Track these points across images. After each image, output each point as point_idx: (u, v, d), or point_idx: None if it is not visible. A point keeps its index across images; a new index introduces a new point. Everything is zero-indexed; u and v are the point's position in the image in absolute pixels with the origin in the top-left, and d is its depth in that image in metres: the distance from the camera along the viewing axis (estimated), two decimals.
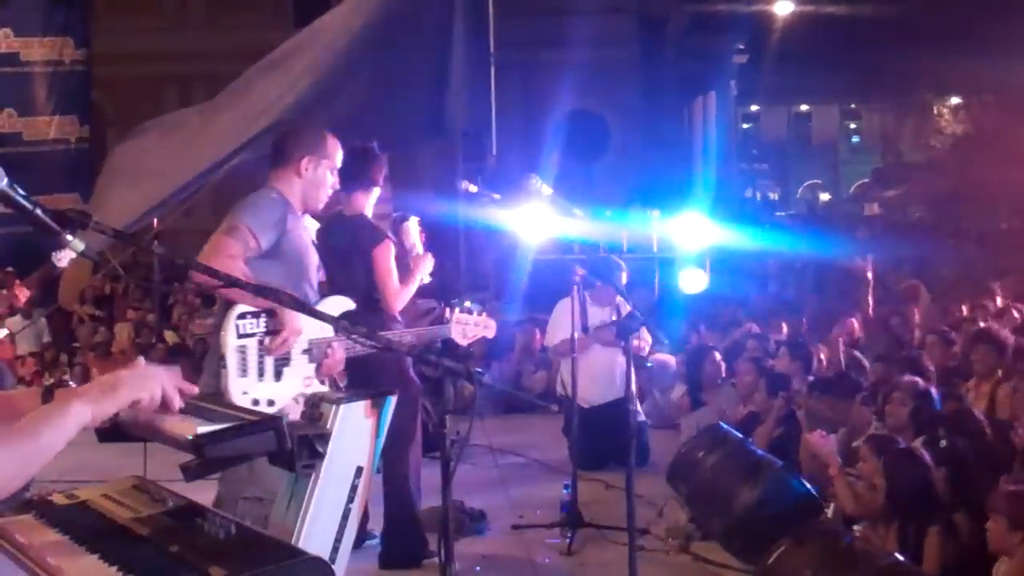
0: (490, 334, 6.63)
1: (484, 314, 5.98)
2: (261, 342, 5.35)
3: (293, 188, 5.72)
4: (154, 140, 12.70)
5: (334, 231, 8.08)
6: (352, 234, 7.69)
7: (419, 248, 7.91)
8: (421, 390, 7.65)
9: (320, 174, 5.72)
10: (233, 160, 11.75)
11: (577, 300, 9.10)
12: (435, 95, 12.12)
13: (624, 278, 10.16)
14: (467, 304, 6.06)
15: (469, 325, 6.14)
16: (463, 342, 6.20)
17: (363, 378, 6.96)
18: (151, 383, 2.74)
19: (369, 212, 7.72)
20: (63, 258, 9.95)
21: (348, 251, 7.63)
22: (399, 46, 12.11)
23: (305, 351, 5.47)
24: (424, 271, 7.67)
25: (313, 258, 5.81)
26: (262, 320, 5.36)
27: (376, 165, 7.77)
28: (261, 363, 5.34)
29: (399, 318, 7.56)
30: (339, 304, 5.77)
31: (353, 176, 7.72)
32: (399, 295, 7.49)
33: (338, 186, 5.90)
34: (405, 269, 7.67)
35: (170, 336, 17.16)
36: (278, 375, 5.38)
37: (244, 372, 5.30)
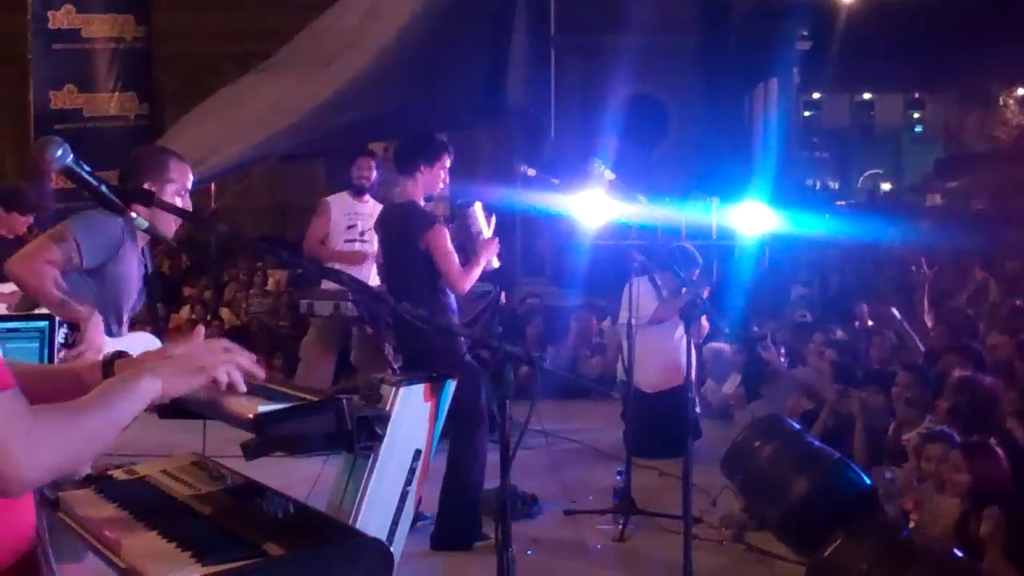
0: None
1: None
2: (58, 352, 5.31)
3: (139, 213, 5.67)
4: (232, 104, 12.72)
5: (387, 219, 8.10)
6: (403, 221, 7.70)
7: (486, 233, 7.87)
8: (480, 373, 7.64)
9: (166, 199, 5.59)
10: (286, 145, 11.80)
11: (638, 286, 9.06)
12: (493, 78, 12.09)
13: (696, 272, 10.10)
14: None
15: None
16: None
17: (418, 363, 6.97)
18: (224, 366, 2.71)
19: (420, 198, 7.69)
20: None
21: (400, 239, 7.64)
22: (457, 29, 12.09)
23: None
24: (490, 254, 7.66)
25: (134, 288, 5.72)
26: (62, 331, 5.29)
27: (423, 152, 7.75)
28: None
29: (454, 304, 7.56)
30: (143, 340, 5.72)
31: (402, 163, 7.75)
32: (464, 277, 7.48)
33: (189, 208, 5.77)
34: (472, 255, 7.66)
35: (225, 314, 17.24)
36: None
37: None
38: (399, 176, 7.80)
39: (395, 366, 9.51)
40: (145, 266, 5.90)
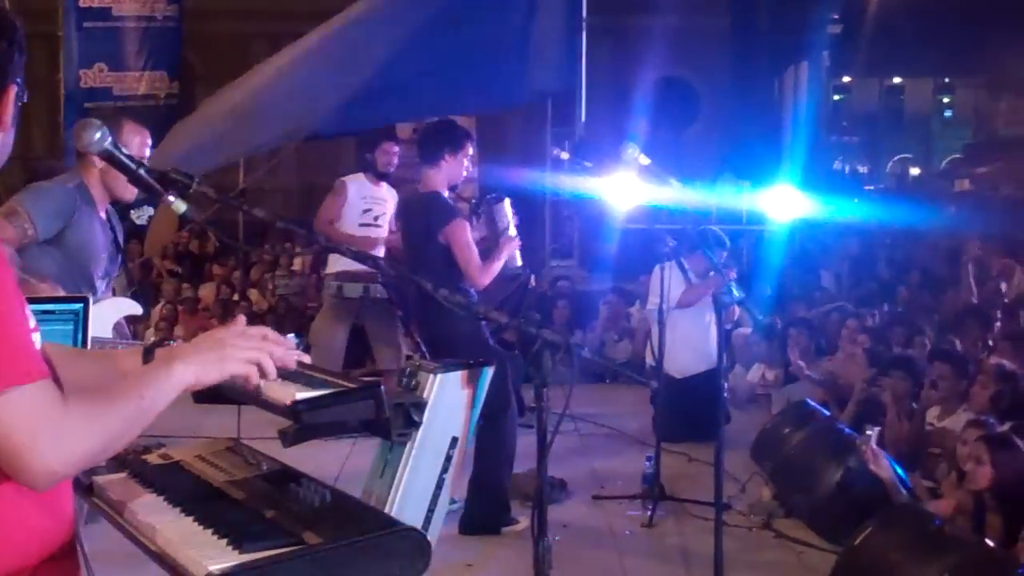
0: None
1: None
2: None
3: (93, 179, 5.65)
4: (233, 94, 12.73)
5: (409, 209, 8.10)
6: (424, 213, 7.67)
7: (512, 230, 7.82)
8: (506, 357, 7.63)
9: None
10: (314, 125, 11.78)
11: (669, 271, 9.02)
12: (522, 60, 12.05)
13: (724, 254, 10.05)
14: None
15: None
16: None
17: (442, 349, 6.94)
18: (258, 354, 2.69)
19: (444, 188, 7.66)
20: (142, 215, 10.05)
21: (421, 230, 7.61)
22: (485, 9, 12.05)
23: None
24: (511, 252, 7.63)
25: (99, 252, 5.71)
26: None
27: (447, 140, 7.71)
28: None
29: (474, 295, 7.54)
30: (122, 305, 5.71)
31: (426, 152, 7.71)
32: (483, 271, 7.44)
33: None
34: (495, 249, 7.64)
35: (253, 295, 17.27)
36: None
37: None
38: (422, 165, 7.76)
39: (414, 338, 9.61)
40: (113, 230, 5.88)
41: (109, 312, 5.55)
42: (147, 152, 5.77)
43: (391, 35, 11.67)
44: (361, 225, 10.20)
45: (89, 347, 5.26)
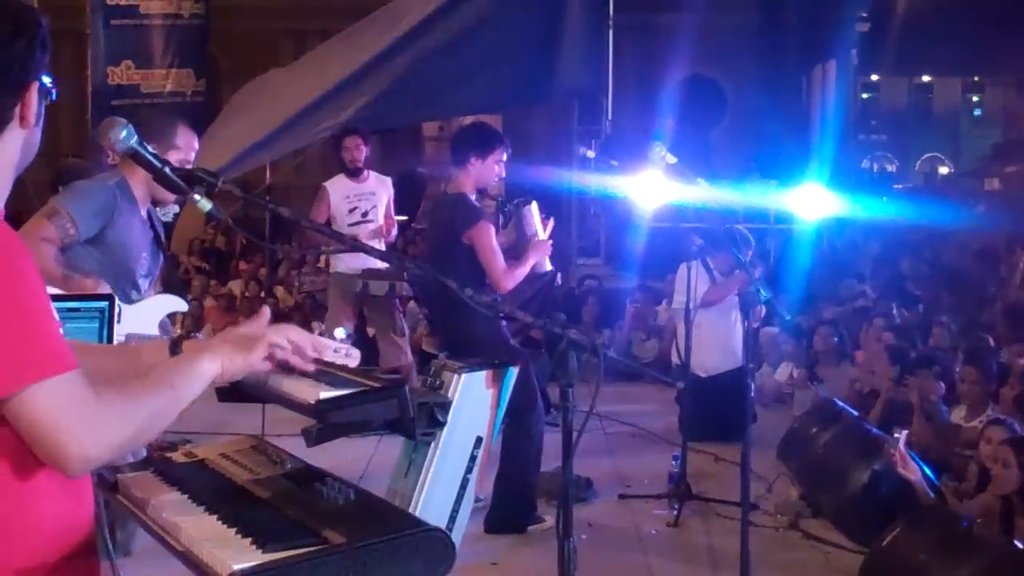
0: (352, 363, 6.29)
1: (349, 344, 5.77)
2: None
3: (137, 179, 5.62)
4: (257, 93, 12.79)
5: (435, 210, 8.10)
6: (449, 214, 7.65)
7: (541, 234, 7.78)
8: (528, 357, 7.61)
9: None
10: (332, 124, 11.81)
11: (694, 270, 8.99)
12: (548, 57, 12.05)
13: (749, 253, 10.02)
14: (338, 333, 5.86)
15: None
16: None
17: (462, 349, 6.92)
18: (274, 335, 2.71)
19: (471, 191, 7.63)
20: (167, 212, 10.04)
21: (445, 231, 7.59)
22: (514, 8, 12.05)
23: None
24: (539, 256, 7.60)
25: (141, 250, 5.70)
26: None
27: (475, 143, 7.68)
28: None
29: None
30: (166, 303, 5.70)
31: (455, 154, 7.70)
32: (508, 275, 7.40)
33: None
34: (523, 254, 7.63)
35: (279, 291, 17.29)
36: None
37: None
38: (452, 166, 7.76)
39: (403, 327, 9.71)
40: (154, 227, 5.88)
41: (154, 310, 5.59)
42: (193, 155, 5.77)
43: (420, 35, 11.70)
44: (350, 225, 10.24)
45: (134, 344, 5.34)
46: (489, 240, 7.38)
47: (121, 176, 5.63)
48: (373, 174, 10.49)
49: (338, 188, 10.41)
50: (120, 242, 5.55)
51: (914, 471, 6.88)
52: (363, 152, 10.40)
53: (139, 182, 5.62)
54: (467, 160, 7.58)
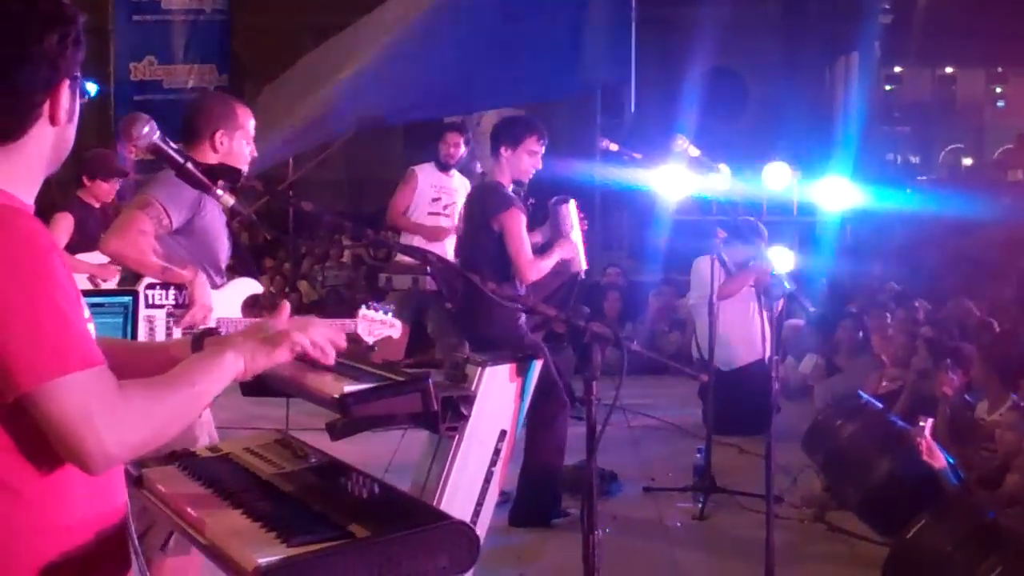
0: (396, 334, 6.30)
1: (391, 314, 5.78)
2: (170, 314, 5.32)
3: (210, 163, 5.60)
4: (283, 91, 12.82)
5: (471, 198, 8.14)
6: (482, 201, 7.69)
7: (576, 232, 7.75)
8: (546, 351, 7.61)
9: (236, 147, 5.50)
10: (354, 119, 11.82)
11: (711, 263, 8.97)
12: (572, 51, 12.02)
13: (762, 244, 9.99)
14: (374, 304, 5.87)
15: (375, 323, 5.92)
16: (368, 340, 6.02)
17: (480, 344, 6.91)
18: (305, 339, 2.70)
19: (506, 181, 7.63)
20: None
21: (477, 218, 7.62)
22: (538, 2, 12.03)
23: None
24: (565, 253, 7.58)
25: (224, 241, 5.68)
26: (171, 292, 5.33)
27: (503, 134, 7.71)
28: (169, 336, 5.32)
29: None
30: (246, 286, 5.71)
31: (491, 145, 7.74)
32: (533, 266, 7.40)
33: (255, 154, 5.74)
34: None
35: (303, 286, 17.33)
36: None
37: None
38: (491, 156, 7.82)
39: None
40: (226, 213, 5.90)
41: (235, 293, 5.61)
42: (252, 131, 5.75)
43: (445, 29, 11.70)
44: (431, 214, 10.30)
45: (223, 330, 5.37)
46: (517, 228, 7.39)
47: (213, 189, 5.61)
48: (458, 173, 10.53)
49: (427, 175, 10.45)
50: (206, 230, 5.51)
51: (939, 459, 6.87)
52: (460, 151, 10.42)
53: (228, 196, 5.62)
54: (497, 150, 7.61)
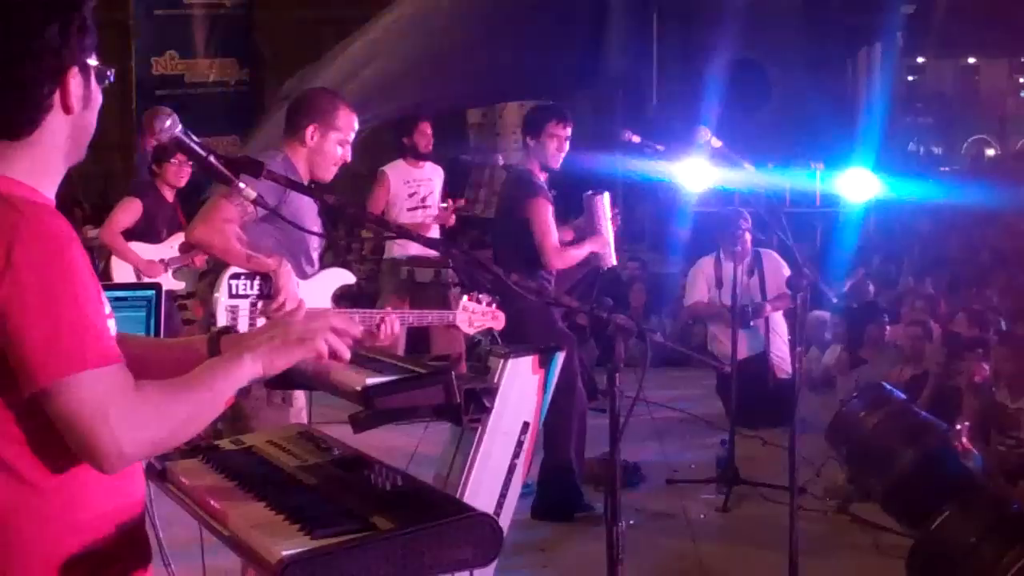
0: (498, 326, 6.24)
1: (494, 305, 5.71)
2: (254, 304, 5.30)
3: (299, 156, 5.55)
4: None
5: (503, 185, 8.15)
6: (511, 188, 7.74)
7: (608, 226, 7.72)
8: (575, 341, 7.61)
9: (327, 145, 5.51)
10: (378, 112, 11.82)
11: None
12: (592, 42, 12.02)
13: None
14: (476, 295, 5.79)
15: (476, 315, 5.86)
16: (469, 331, 5.97)
17: (510, 334, 6.91)
18: (323, 335, 2.69)
19: (536, 169, 7.64)
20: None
21: (506, 205, 7.67)
22: None
23: None
24: (595, 247, 7.56)
25: (313, 224, 5.60)
26: (255, 283, 5.31)
27: (527, 123, 7.79)
28: (252, 326, 5.28)
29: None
30: (337, 277, 5.67)
31: (522, 137, 7.79)
32: (559, 255, 7.41)
33: (348, 158, 5.72)
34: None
35: None
36: None
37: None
38: (522, 150, 7.90)
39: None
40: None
41: (326, 284, 5.57)
42: (352, 135, 5.71)
43: (465, 22, 11.71)
44: (409, 210, 10.27)
45: None
46: (544, 215, 7.41)
47: (284, 153, 5.57)
48: (429, 163, 10.51)
49: (398, 172, 10.42)
50: (295, 217, 5.44)
51: (973, 460, 6.88)
52: (431, 139, 10.43)
53: (300, 159, 5.58)
54: (525, 141, 7.67)
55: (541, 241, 7.36)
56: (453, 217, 10.64)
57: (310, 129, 5.48)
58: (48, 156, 2.49)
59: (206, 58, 19.10)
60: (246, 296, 5.31)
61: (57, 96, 2.46)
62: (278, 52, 23.78)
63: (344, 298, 5.67)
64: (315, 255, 5.69)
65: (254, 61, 20.68)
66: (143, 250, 9.56)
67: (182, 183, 9.86)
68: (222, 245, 5.22)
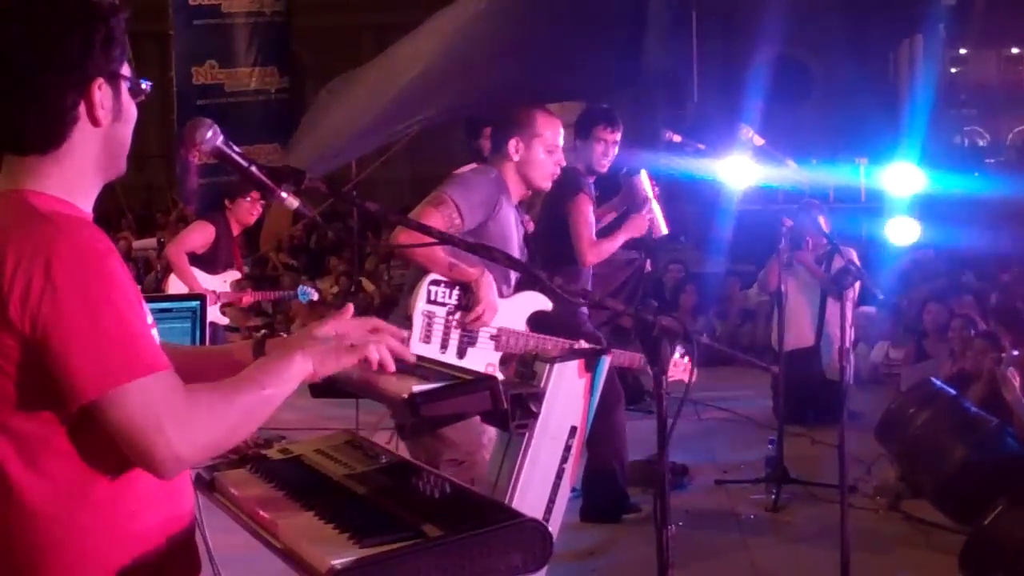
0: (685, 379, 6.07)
1: (686, 358, 5.59)
2: (451, 313, 5.27)
3: (508, 171, 5.56)
4: (345, 92, 12.85)
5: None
6: (556, 186, 7.71)
7: (653, 201, 7.67)
8: (604, 343, 7.60)
9: (533, 154, 5.51)
10: (421, 116, 11.82)
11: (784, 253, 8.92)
12: (632, 40, 11.98)
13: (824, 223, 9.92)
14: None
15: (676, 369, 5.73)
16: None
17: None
18: (375, 345, 2.69)
19: (582, 169, 7.62)
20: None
21: (550, 202, 7.65)
22: None
23: (493, 336, 5.35)
24: (634, 231, 7.52)
25: (515, 245, 5.58)
26: (454, 293, 5.28)
27: (579, 124, 7.78)
28: (446, 335, 5.26)
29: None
30: (534, 300, 5.59)
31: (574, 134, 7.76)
32: (593, 248, 7.39)
33: (563, 162, 5.72)
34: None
35: (367, 285, 17.36)
36: (461, 353, 5.25)
37: (428, 339, 5.21)
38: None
39: None
40: (522, 224, 5.82)
41: (522, 306, 5.50)
42: (560, 140, 5.71)
43: (502, 22, 11.69)
44: None
45: (503, 340, 5.38)
46: (584, 211, 7.39)
47: (497, 171, 5.59)
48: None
49: None
50: (499, 236, 5.41)
51: None
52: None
53: (512, 177, 5.59)
54: (574, 142, 7.62)
55: (576, 236, 7.35)
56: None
57: (513, 142, 5.52)
58: (80, 169, 2.48)
59: (246, 67, 19.17)
60: (444, 304, 5.29)
61: (83, 108, 2.45)
62: (318, 59, 23.88)
63: (537, 324, 5.61)
64: (512, 276, 5.61)
65: (294, 69, 20.74)
66: (200, 277, 9.59)
67: (251, 221, 9.92)
68: (425, 251, 5.20)
